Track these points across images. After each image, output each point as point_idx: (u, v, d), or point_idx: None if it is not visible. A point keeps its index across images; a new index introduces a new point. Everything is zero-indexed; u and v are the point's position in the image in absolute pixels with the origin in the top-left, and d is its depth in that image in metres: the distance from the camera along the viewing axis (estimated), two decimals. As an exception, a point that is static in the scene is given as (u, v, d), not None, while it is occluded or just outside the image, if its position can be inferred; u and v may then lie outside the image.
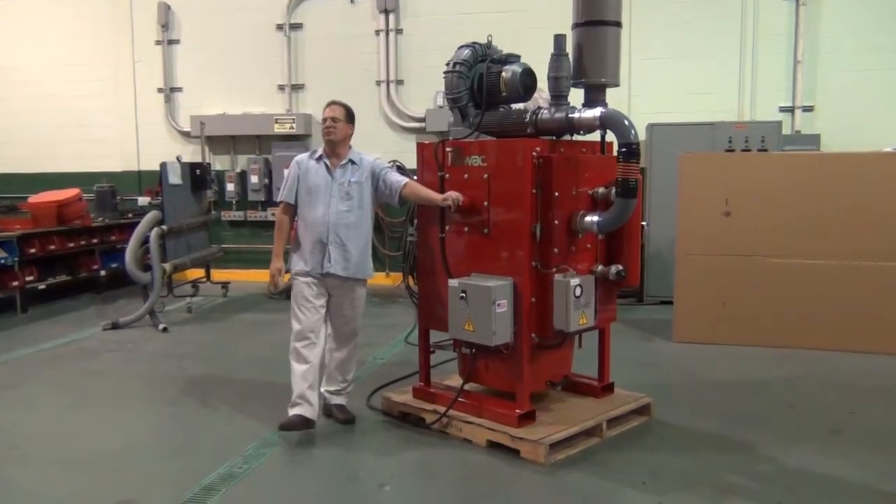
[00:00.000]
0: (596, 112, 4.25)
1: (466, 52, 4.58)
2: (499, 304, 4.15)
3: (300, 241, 4.62)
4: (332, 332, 4.77)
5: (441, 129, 8.92)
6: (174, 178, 8.33)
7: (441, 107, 9.29)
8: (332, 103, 4.65)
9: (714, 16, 9.19)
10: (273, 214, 10.34)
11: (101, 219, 9.76)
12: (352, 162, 4.63)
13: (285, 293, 9.17)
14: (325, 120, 4.59)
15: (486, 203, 4.38)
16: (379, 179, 4.68)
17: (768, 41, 9.11)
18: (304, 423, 4.50)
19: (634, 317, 7.87)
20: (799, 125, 9.06)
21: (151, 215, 7.93)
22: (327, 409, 4.83)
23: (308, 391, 4.51)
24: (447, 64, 4.61)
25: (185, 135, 10.67)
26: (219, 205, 10.38)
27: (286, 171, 4.78)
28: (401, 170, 9.64)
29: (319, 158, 4.62)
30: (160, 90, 10.78)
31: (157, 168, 8.40)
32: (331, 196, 4.53)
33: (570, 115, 4.31)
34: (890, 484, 3.88)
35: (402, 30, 10.06)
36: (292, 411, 4.51)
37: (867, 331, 6.40)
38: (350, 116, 4.65)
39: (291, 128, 10.13)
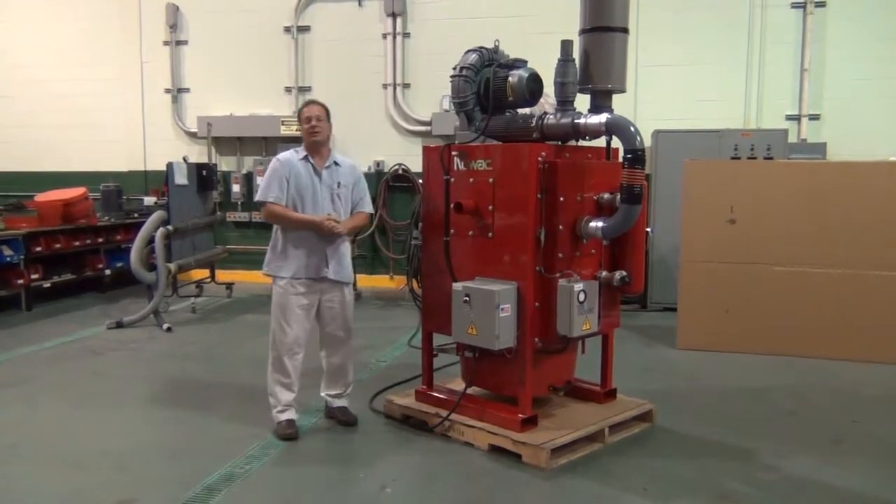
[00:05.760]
0: (602, 118, 4.25)
1: (473, 57, 4.59)
2: (502, 309, 4.15)
3: (287, 245, 4.50)
4: (324, 338, 4.73)
5: (447, 132, 8.93)
6: (180, 178, 8.36)
7: (447, 111, 9.30)
8: (311, 103, 4.64)
9: (721, 23, 9.19)
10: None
11: (106, 218, 9.78)
12: (335, 163, 4.63)
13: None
14: (308, 120, 4.54)
15: (490, 207, 4.38)
16: (356, 191, 4.70)
17: (775, 49, 9.12)
18: (293, 425, 4.57)
19: (638, 323, 7.86)
20: (805, 133, 9.06)
21: (157, 215, 7.95)
22: (330, 412, 4.85)
23: (293, 400, 4.59)
24: (454, 68, 4.62)
25: (192, 135, 10.70)
26: (224, 206, 10.39)
27: (266, 170, 4.65)
28: (405, 173, 9.77)
29: (305, 158, 4.58)
30: (167, 91, 10.83)
31: (164, 168, 8.43)
32: (322, 199, 4.53)
33: (576, 121, 4.31)
34: (891, 493, 3.87)
35: (409, 33, 10.09)
36: (283, 416, 4.55)
37: (870, 340, 6.39)
38: (329, 114, 4.63)
39: (298, 130, 10.12)
